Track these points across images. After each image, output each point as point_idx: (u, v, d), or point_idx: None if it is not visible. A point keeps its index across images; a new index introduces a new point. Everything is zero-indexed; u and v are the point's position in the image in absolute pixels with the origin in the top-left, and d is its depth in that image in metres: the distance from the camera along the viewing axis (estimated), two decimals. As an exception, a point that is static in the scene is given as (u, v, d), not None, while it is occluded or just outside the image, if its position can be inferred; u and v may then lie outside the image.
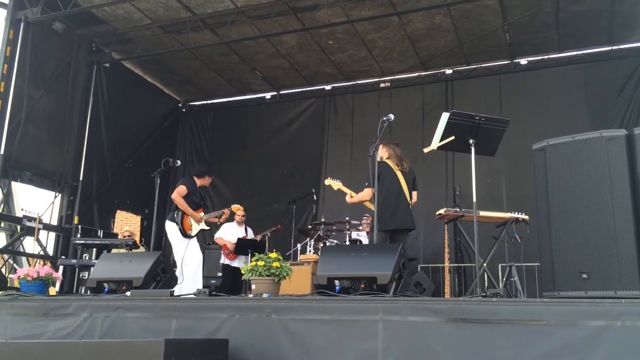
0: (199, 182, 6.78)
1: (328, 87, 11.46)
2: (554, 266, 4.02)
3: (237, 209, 7.98)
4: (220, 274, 8.60)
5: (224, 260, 8.41)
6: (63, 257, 8.87)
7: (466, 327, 3.56)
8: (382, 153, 5.94)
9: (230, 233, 8.46)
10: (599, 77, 9.32)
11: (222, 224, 8.10)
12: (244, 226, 8.65)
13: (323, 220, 8.31)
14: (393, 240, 5.70)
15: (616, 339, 3.22)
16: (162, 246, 10.17)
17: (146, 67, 11.11)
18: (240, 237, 8.38)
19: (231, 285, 8.13)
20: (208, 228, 7.02)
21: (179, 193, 6.49)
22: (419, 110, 10.34)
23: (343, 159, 10.54)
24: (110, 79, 10.29)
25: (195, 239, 6.62)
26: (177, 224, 6.45)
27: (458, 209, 6.33)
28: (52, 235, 9.41)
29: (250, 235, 8.66)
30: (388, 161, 5.90)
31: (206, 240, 9.44)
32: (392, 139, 6.11)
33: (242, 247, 8.14)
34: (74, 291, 8.19)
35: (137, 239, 9.90)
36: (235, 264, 8.31)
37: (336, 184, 6.45)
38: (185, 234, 6.46)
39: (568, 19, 8.78)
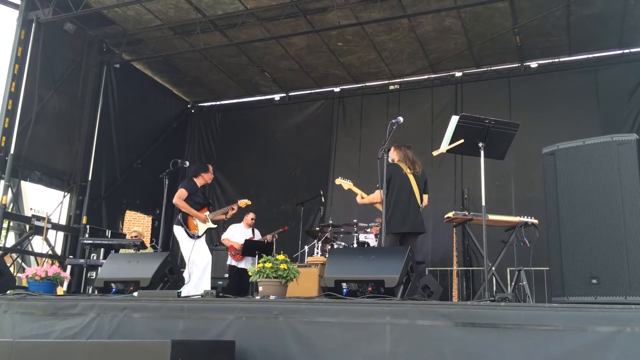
0: (198, 181, 6.79)
1: (337, 89, 11.45)
2: (563, 271, 3.99)
3: (245, 203, 7.92)
4: (227, 275, 8.61)
5: (230, 261, 8.41)
6: (71, 256, 8.90)
7: (474, 332, 3.54)
8: (394, 155, 5.93)
9: (237, 234, 8.47)
10: (609, 80, 9.26)
11: (228, 219, 8.09)
12: (251, 228, 8.65)
13: (331, 222, 8.30)
14: (402, 243, 5.70)
15: (626, 345, 3.18)
16: (170, 247, 10.20)
17: (156, 68, 11.15)
18: (247, 238, 8.38)
19: (238, 287, 8.14)
20: (215, 226, 7.03)
21: (179, 197, 6.53)
22: (428, 112, 10.31)
23: (351, 161, 10.52)
24: (120, 80, 10.35)
25: (202, 240, 6.63)
26: (181, 225, 6.48)
27: (467, 213, 6.30)
28: (61, 234, 9.45)
29: (258, 237, 8.66)
30: (400, 164, 5.89)
31: (213, 241, 9.46)
32: (404, 142, 6.11)
33: (250, 248, 8.14)
34: (82, 291, 8.23)
35: (147, 239, 9.93)
36: (241, 265, 8.32)
37: (347, 184, 6.47)
38: (190, 234, 6.49)
39: (579, 22, 8.73)
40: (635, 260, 3.68)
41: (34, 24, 8.80)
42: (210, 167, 7.02)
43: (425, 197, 6.05)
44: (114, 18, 9.48)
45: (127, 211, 10.96)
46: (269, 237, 8.76)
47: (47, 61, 9.02)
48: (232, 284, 8.33)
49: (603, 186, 3.90)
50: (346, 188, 6.49)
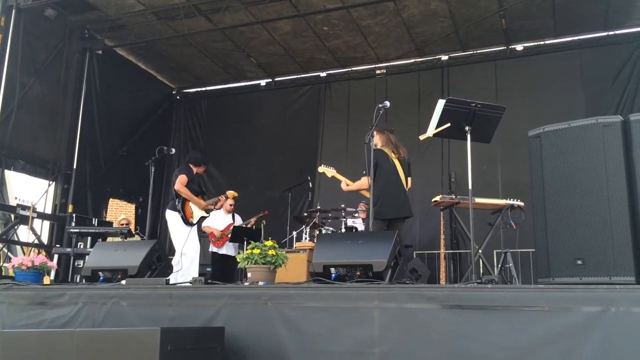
0: (195, 169, 6.78)
1: (323, 74, 11.37)
2: (548, 252, 4.04)
3: (232, 195, 7.96)
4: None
5: (212, 248, 8.40)
6: (58, 245, 8.83)
7: (461, 314, 3.57)
8: (377, 140, 5.89)
9: (217, 221, 8.43)
10: (594, 63, 9.29)
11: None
12: (231, 214, 8.63)
13: (319, 207, 8.31)
14: (390, 228, 5.70)
15: (610, 325, 3.24)
16: (157, 234, 10.15)
17: (139, 53, 11.00)
18: (227, 224, 8.37)
19: (222, 273, 8.13)
20: (208, 215, 7.02)
21: (181, 183, 6.47)
22: (414, 96, 10.28)
23: (339, 146, 10.51)
24: (103, 66, 10.17)
25: (195, 228, 6.62)
26: (179, 212, 6.44)
27: (454, 196, 6.35)
28: (47, 223, 9.36)
29: (238, 222, 8.64)
30: (384, 149, 5.88)
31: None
32: (387, 126, 6.10)
33: (238, 235, 8.12)
34: (69, 280, 8.17)
35: (132, 227, 9.87)
36: (222, 251, 8.32)
37: (330, 171, 6.42)
38: (187, 221, 6.46)
39: (564, 4, 8.72)
40: (619, 241, 3.73)
41: (14, 10, 8.62)
42: (209, 159, 7.12)
43: (409, 180, 6.06)
44: (95, 3, 9.30)
45: (111, 199, 10.89)
46: (252, 220, 8.74)
47: (29, 48, 8.86)
48: (215, 270, 8.31)
49: (588, 168, 3.94)
50: (329, 176, 6.44)
